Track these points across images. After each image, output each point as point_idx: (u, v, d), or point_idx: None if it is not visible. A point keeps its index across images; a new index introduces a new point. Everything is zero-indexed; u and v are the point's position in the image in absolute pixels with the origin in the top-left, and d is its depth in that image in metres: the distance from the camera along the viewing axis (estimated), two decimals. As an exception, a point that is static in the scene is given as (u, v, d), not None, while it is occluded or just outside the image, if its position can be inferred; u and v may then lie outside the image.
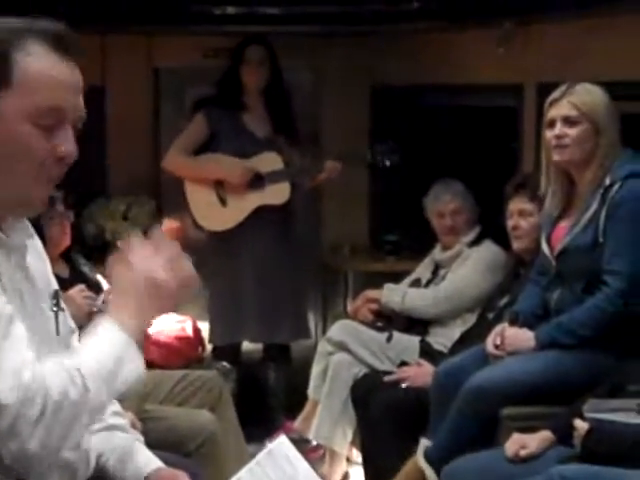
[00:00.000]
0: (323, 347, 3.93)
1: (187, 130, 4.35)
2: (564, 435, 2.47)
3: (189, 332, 4.15)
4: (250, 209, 4.26)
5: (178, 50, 5.09)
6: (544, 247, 3.09)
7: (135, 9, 4.54)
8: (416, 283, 4.02)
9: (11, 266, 1.54)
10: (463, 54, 4.61)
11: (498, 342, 3.04)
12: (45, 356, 1.46)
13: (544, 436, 2.53)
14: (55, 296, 1.68)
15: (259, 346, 4.59)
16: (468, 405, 2.90)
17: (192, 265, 1.52)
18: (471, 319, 3.71)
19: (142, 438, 1.89)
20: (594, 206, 2.89)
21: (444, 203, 3.95)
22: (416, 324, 3.86)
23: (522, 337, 2.99)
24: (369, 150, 4.40)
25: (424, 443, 3.11)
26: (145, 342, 1.58)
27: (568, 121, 2.95)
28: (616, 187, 2.86)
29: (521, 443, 2.53)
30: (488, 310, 3.59)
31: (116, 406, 1.85)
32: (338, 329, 3.91)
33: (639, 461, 2.20)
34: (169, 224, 4.06)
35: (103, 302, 3.20)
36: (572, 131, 2.95)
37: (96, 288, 3.41)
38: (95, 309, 3.16)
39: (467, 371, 2.99)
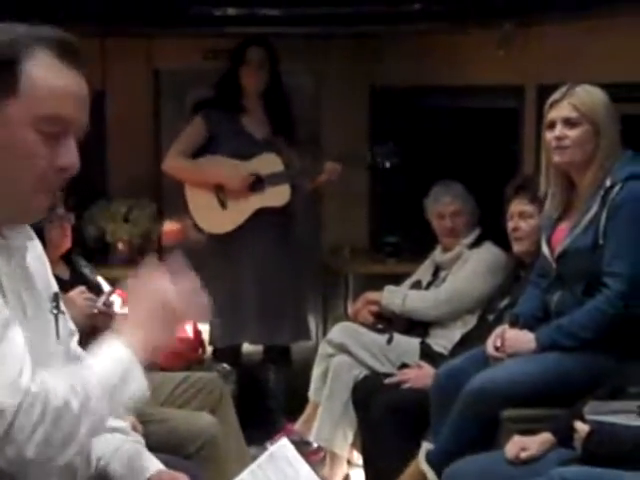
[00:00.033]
0: (323, 349, 3.93)
1: (186, 132, 4.34)
2: (565, 437, 2.47)
3: (189, 334, 4.14)
4: (250, 211, 4.26)
5: (178, 52, 5.09)
6: (544, 249, 3.08)
7: (135, 11, 4.52)
8: (416, 285, 4.02)
9: (11, 269, 1.54)
10: (463, 56, 4.61)
11: (498, 344, 3.03)
12: (45, 358, 1.46)
13: (545, 438, 2.53)
14: (55, 299, 1.68)
15: (259, 348, 4.59)
16: (469, 407, 2.90)
17: (205, 295, 1.61)
18: (471, 321, 3.71)
19: (143, 441, 1.89)
20: (594, 208, 2.88)
21: (444, 205, 3.94)
22: (416, 326, 3.86)
23: (522, 339, 2.99)
24: (369, 152, 4.40)
25: (426, 446, 3.11)
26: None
27: (568, 122, 2.94)
28: (616, 189, 2.85)
29: (522, 445, 2.52)
30: (488, 312, 3.59)
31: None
32: (338, 331, 3.90)
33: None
34: (170, 226, 4.06)
35: (103, 304, 3.20)
36: (572, 132, 2.94)
37: (96, 290, 3.40)
38: (95, 311, 3.17)
39: (467, 373, 2.99)
